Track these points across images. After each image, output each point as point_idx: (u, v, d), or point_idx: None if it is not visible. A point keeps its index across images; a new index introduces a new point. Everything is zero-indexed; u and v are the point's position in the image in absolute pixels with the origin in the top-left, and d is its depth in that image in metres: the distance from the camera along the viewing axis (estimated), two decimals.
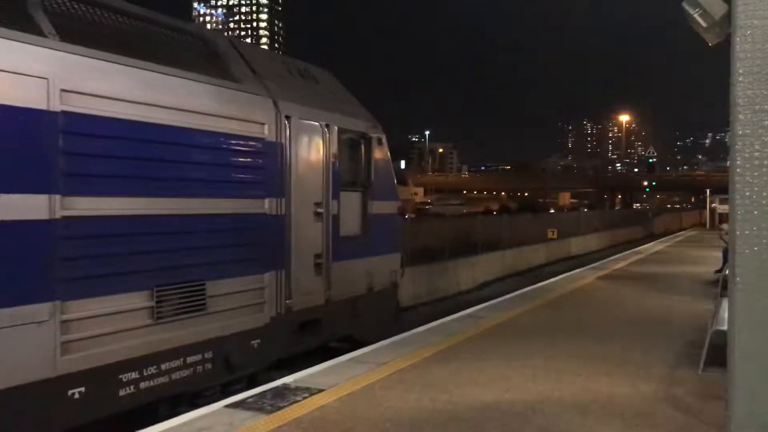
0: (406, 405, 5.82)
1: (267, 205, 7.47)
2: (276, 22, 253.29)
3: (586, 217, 41.00)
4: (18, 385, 4.88)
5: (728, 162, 4.40)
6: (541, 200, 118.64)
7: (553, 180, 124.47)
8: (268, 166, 7.49)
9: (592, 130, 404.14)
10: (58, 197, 5.17)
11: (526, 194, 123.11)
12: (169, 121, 6.24)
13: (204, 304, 6.56)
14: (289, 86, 8.35)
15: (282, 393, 6.17)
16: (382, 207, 9.93)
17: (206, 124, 6.68)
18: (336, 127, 8.81)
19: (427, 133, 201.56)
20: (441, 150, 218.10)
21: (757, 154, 4.15)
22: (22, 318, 4.91)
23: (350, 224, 9.13)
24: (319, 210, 8.38)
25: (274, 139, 7.61)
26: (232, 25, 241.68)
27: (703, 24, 4.56)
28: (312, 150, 8.34)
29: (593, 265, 20.12)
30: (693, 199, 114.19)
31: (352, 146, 9.37)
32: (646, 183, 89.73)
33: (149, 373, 5.97)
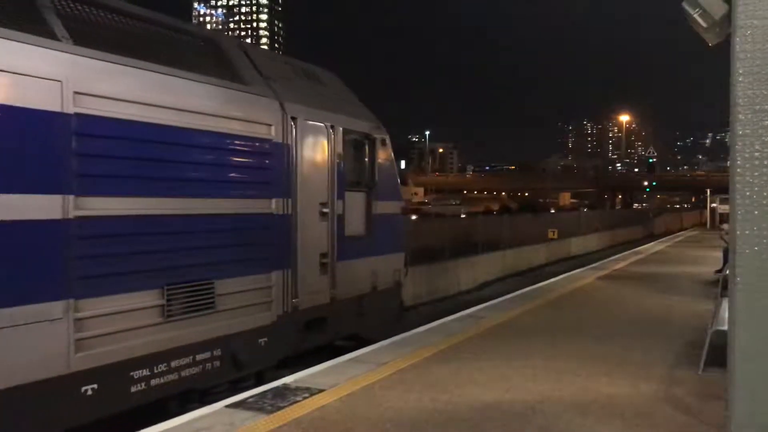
0: (407, 405, 5.82)
1: (274, 205, 7.58)
2: (276, 22, 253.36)
3: (586, 217, 41.00)
4: (34, 382, 4.99)
5: (728, 162, 4.40)
6: (541, 200, 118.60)
7: (554, 180, 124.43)
8: (274, 167, 7.60)
9: (592, 130, 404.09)
10: (71, 197, 5.28)
11: (527, 194, 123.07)
12: (180, 123, 6.36)
13: (213, 302, 6.67)
14: (294, 88, 8.45)
15: (282, 393, 6.17)
16: (386, 207, 10.03)
17: (216, 126, 6.80)
18: (341, 128, 8.92)
19: (427, 133, 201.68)
20: (441, 150, 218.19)
21: (757, 154, 4.15)
22: (37, 316, 5.02)
23: (355, 224, 9.24)
24: (325, 210, 8.48)
25: (280, 140, 7.72)
26: (232, 25, 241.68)
27: (703, 24, 4.55)
28: (317, 151, 8.45)
29: (593, 265, 20.11)
30: (693, 199, 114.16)
31: (356, 147, 9.47)
32: (646, 183, 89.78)
33: (160, 370, 6.09)
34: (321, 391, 6.22)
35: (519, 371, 6.98)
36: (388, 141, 10.29)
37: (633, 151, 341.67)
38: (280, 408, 5.71)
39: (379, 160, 9.89)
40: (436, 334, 8.87)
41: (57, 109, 5.22)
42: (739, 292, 4.18)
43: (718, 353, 6.29)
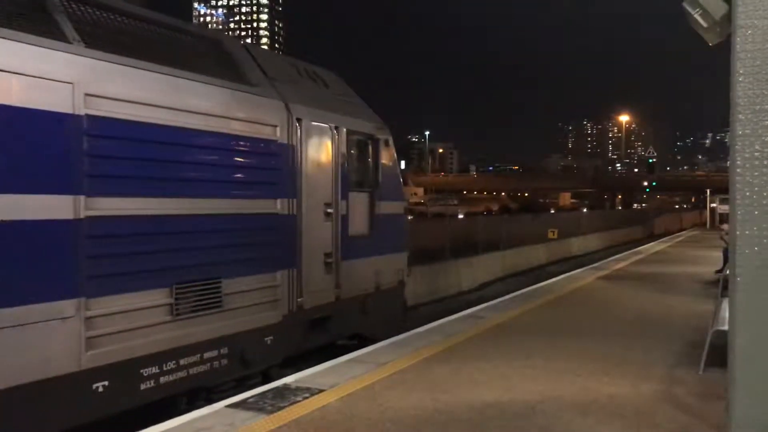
0: (407, 405, 5.82)
1: (279, 206, 7.65)
2: (276, 22, 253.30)
3: (586, 218, 41.00)
4: (46, 379, 5.07)
5: (728, 162, 4.40)
6: (541, 201, 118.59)
7: (554, 180, 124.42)
8: (280, 168, 7.69)
9: (592, 131, 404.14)
10: (82, 198, 5.37)
11: (527, 195, 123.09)
12: (188, 125, 6.46)
13: (220, 301, 6.76)
14: (299, 89, 8.54)
15: (282, 393, 6.17)
16: (389, 207, 10.12)
17: (223, 127, 6.90)
18: (345, 129, 9.00)
19: (427, 133, 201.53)
20: (441, 150, 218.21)
21: (757, 154, 4.16)
22: (50, 314, 5.11)
23: (358, 224, 9.32)
24: (329, 210, 8.56)
25: (286, 141, 7.81)
26: (232, 25, 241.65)
27: (704, 24, 4.56)
28: (322, 151, 8.53)
29: (594, 265, 20.11)
30: (693, 200, 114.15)
31: (360, 148, 9.56)
32: (646, 183, 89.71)
33: (168, 368, 6.17)
34: (321, 391, 6.22)
35: (519, 371, 6.98)
36: (391, 141, 10.38)
37: (633, 151, 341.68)
38: (280, 408, 5.71)
39: (383, 161, 9.97)
40: (436, 334, 8.87)
41: (69, 110, 5.32)
42: (739, 292, 4.19)
43: (718, 353, 6.30)
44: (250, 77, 7.65)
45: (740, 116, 4.18)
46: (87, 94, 5.45)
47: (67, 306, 5.24)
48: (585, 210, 67.28)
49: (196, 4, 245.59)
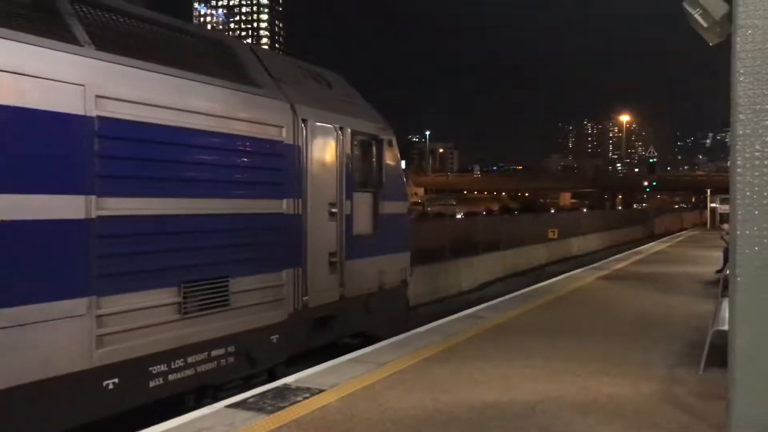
0: (407, 405, 5.82)
1: (285, 206, 7.73)
2: (276, 22, 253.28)
3: (586, 218, 40.99)
4: (58, 376, 5.17)
5: (729, 162, 4.40)
6: (542, 201, 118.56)
7: (554, 180, 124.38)
8: (286, 168, 7.77)
9: (592, 131, 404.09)
10: (93, 198, 5.46)
11: (527, 195, 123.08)
12: (196, 125, 6.55)
13: (227, 300, 6.85)
14: (304, 90, 8.62)
15: (282, 393, 6.17)
16: (392, 207, 10.20)
17: (230, 128, 6.99)
18: (349, 130, 9.08)
19: (427, 133, 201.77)
20: (441, 150, 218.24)
21: (757, 153, 4.15)
22: (63, 312, 5.20)
23: (362, 224, 9.41)
24: (334, 210, 8.64)
25: (291, 142, 7.88)
26: (232, 25, 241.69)
27: (704, 24, 4.56)
28: (327, 152, 8.61)
29: (594, 265, 20.11)
30: (693, 200, 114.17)
31: (364, 148, 9.64)
32: (646, 183, 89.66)
33: (177, 365, 6.25)
34: (321, 391, 6.22)
35: (519, 371, 6.98)
36: (394, 142, 10.46)
37: (633, 151, 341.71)
38: (280, 408, 5.71)
39: (386, 161, 10.06)
40: (437, 334, 8.87)
41: (80, 112, 5.41)
42: (739, 292, 4.19)
43: (718, 353, 6.29)
44: (256, 79, 7.73)
45: (741, 116, 4.18)
46: (98, 96, 5.54)
47: (79, 304, 5.33)
48: (585, 210, 67.28)
49: (196, 4, 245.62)
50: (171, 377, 6.19)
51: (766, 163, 4.14)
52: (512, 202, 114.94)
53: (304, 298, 8.03)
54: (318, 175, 8.32)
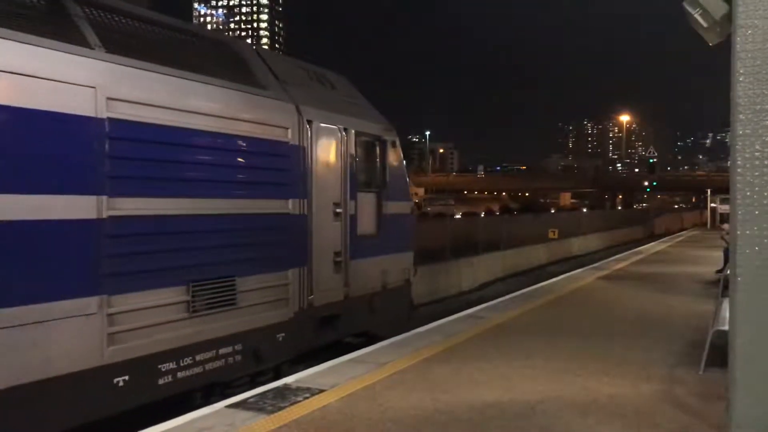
0: (407, 405, 5.83)
1: (291, 206, 7.84)
2: (276, 22, 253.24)
3: (586, 218, 41.00)
4: (71, 373, 5.28)
5: (729, 162, 4.40)
6: (542, 201, 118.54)
7: (555, 180, 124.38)
8: (291, 169, 7.88)
9: (592, 131, 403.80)
10: (104, 198, 5.57)
11: (527, 194, 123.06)
12: (204, 126, 6.66)
13: (234, 299, 6.95)
14: (309, 91, 8.73)
15: (283, 393, 6.17)
16: (395, 207, 10.32)
17: (237, 129, 7.10)
18: (353, 131, 9.20)
19: (427, 133, 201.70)
20: (441, 150, 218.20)
21: (757, 153, 4.16)
22: (75, 310, 5.31)
23: (366, 224, 9.53)
24: (338, 210, 8.75)
25: (297, 143, 7.99)
26: (232, 25, 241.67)
27: (704, 24, 4.56)
28: (331, 153, 8.71)
29: (594, 265, 20.11)
30: (694, 200, 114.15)
31: (368, 149, 9.75)
32: (646, 183, 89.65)
33: (185, 363, 6.35)
34: (322, 391, 6.22)
35: (519, 371, 6.98)
36: (398, 143, 10.58)
37: (633, 151, 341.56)
38: (280, 408, 5.72)
39: (390, 162, 10.17)
40: (437, 335, 8.87)
41: (91, 114, 5.51)
42: (740, 292, 4.19)
43: (719, 353, 6.29)
44: (262, 81, 7.84)
45: (741, 116, 4.18)
46: (108, 98, 5.64)
47: (90, 303, 5.43)
48: (585, 210, 67.28)
49: (196, 5, 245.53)
50: (180, 375, 6.30)
51: (766, 163, 4.14)
52: (512, 202, 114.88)
53: (310, 297, 8.14)
54: (323, 176, 8.42)
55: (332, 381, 6.56)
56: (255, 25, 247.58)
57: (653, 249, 26.94)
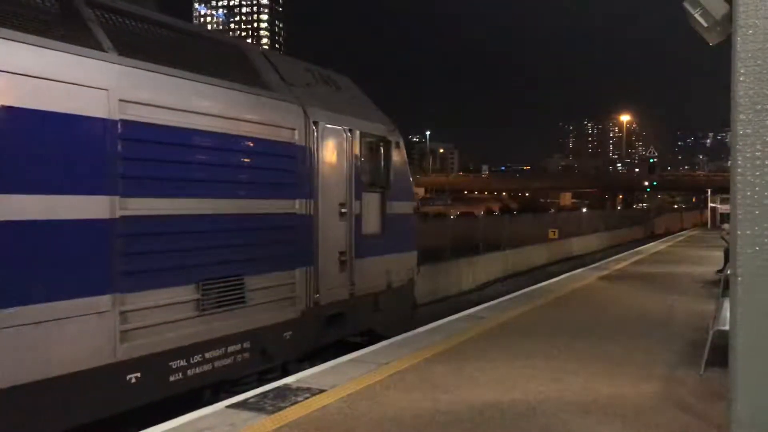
0: (408, 405, 5.82)
1: (297, 206, 7.97)
2: (277, 22, 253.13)
3: (587, 218, 41.02)
4: (86, 369, 5.41)
5: (729, 162, 4.40)
6: (542, 200, 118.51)
7: (555, 180, 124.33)
8: (298, 169, 8.01)
9: (593, 131, 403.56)
10: (117, 198, 5.70)
11: (527, 194, 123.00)
12: (214, 128, 6.78)
13: (243, 297, 7.06)
14: (315, 93, 8.86)
15: (283, 393, 6.17)
16: (399, 207, 10.47)
17: (246, 131, 7.22)
18: (358, 132, 9.33)
19: (428, 133, 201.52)
20: (442, 150, 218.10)
21: (758, 153, 4.15)
22: (89, 308, 5.45)
23: (371, 223, 9.66)
24: (343, 210, 8.89)
25: (303, 144, 8.12)
26: (232, 25, 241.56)
27: (704, 23, 4.56)
28: (337, 153, 8.84)
29: (594, 265, 20.10)
30: (694, 200, 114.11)
31: (372, 149, 9.87)
32: (646, 183, 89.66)
33: (195, 360, 6.47)
34: (322, 391, 6.22)
35: (520, 371, 6.98)
36: (401, 143, 10.74)
37: (634, 151, 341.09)
38: (281, 408, 5.71)
39: (394, 162, 10.29)
40: (437, 334, 8.87)
41: (105, 115, 5.64)
42: (740, 292, 4.18)
43: (719, 353, 6.29)
44: (269, 83, 7.95)
45: (741, 116, 4.18)
46: (121, 100, 5.75)
47: (104, 301, 5.56)
48: (585, 210, 67.28)
49: (196, 5, 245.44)
50: (190, 372, 6.42)
51: (766, 163, 4.14)
52: (513, 202, 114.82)
53: (316, 296, 8.25)
54: (328, 176, 8.54)
55: (332, 381, 6.55)
56: (255, 25, 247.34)
57: (653, 249, 26.94)
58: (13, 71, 4.96)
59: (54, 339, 5.15)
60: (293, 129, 7.94)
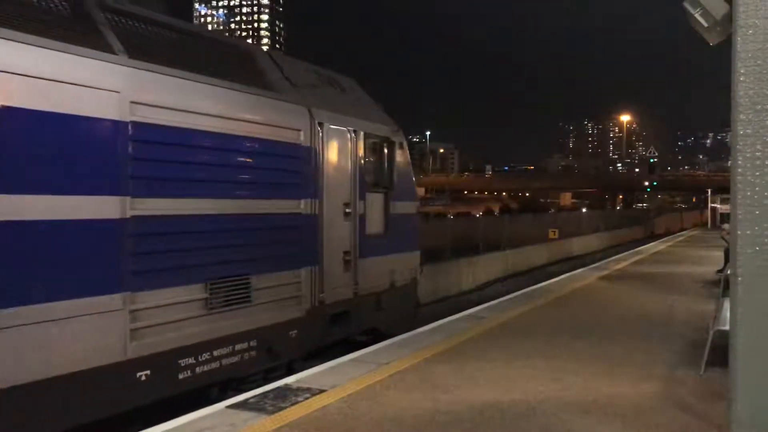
0: (408, 405, 5.83)
1: (303, 206, 8.05)
2: (277, 22, 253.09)
3: (587, 218, 41.03)
4: (97, 367, 5.48)
5: (729, 162, 4.40)
6: (542, 200, 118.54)
7: (555, 180, 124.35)
8: (303, 170, 8.10)
9: (593, 131, 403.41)
10: (128, 198, 5.78)
11: (528, 194, 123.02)
12: (221, 129, 6.87)
13: (250, 296, 7.15)
14: (320, 94, 8.95)
15: (283, 393, 6.18)
16: (402, 207, 10.56)
17: (253, 132, 7.31)
18: (362, 133, 9.43)
19: (428, 133, 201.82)
20: (442, 150, 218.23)
21: (758, 153, 4.15)
22: (101, 307, 5.53)
23: (375, 223, 9.75)
24: (348, 210, 8.97)
25: (309, 144, 8.22)
26: (233, 25, 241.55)
27: (704, 23, 4.56)
28: (341, 154, 8.93)
29: (594, 265, 20.11)
30: (694, 200, 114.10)
31: (376, 150, 9.96)
32: (647, 183, 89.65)
33: (203, 358, 6.55)
34: (322, 391, 6.23)
35: (520, 371, 6.98)
36: (405, 144, 10.82)
37: (634, 151, 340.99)
38: (281, 408, 5.72)
39: (397, 163, 10.37)
40: (437, 334, 8.87)
41: (116, 117, 5.72)
42: (740, 292, 4.18)
43: (719, 353, 6.29)
44: (276, 84, 8.03)
45: (741, 116, 4.18)
46: (132, 102, 5.83)
47: (115, 299, 5.63)
48: (585, 210, 67.29)
49: (196, 5, 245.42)
50: (198, 370, 6.50)
51: (766, 163, 4.14)
52: (513, 202, 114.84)
53: (321, 295, 8.33)
54: (333, 176, 8.63)
55: (333, 381, 6.56)
56: (255, 25, 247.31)
57: (653, 249, 26.94)
58: (27, 74, 5.03)
59: (68, 336, 5.22)
60: (299, 130, 8.03)
